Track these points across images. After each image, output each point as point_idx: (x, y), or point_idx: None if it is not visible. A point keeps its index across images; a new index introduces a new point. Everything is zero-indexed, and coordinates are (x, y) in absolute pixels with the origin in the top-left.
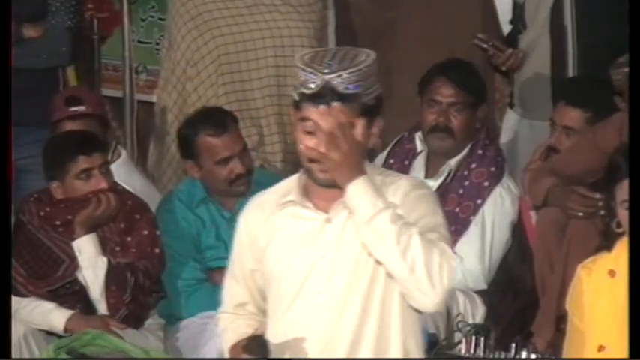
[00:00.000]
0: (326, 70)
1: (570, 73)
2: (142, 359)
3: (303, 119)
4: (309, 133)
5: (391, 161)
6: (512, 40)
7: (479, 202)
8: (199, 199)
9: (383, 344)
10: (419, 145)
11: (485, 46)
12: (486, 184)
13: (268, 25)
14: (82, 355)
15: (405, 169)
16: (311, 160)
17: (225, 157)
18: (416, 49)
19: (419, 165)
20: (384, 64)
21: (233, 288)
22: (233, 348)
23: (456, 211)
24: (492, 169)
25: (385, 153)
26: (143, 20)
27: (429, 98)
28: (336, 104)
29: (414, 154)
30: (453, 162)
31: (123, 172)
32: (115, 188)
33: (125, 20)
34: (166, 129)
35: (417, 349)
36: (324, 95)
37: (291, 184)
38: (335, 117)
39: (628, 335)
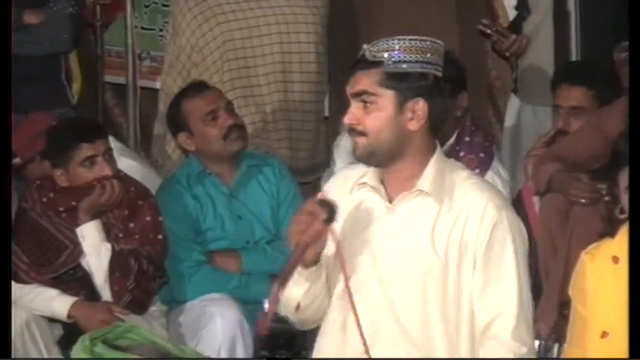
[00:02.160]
0: (368, 43)
1: (573, 58)
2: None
3: None
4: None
5: None
6: (516, 26)
7: None
8: (196, 174)
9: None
10: None
11: (489, 31)
12: (477, 170)
13: (273, 10)
14: (115, 347)
15: None
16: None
17: (210, 111)
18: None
19: None
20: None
21: None
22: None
23: None
24: (481, 154)
25: None
26: (146, 7)
27: None
28: (361, 72)
29: None
30: None
31: None
32: (118, 175)
33: (128, 6)
34: None
35: None
36: (356, 64)
37: None
38: (358, 84)
39: (628, 335)
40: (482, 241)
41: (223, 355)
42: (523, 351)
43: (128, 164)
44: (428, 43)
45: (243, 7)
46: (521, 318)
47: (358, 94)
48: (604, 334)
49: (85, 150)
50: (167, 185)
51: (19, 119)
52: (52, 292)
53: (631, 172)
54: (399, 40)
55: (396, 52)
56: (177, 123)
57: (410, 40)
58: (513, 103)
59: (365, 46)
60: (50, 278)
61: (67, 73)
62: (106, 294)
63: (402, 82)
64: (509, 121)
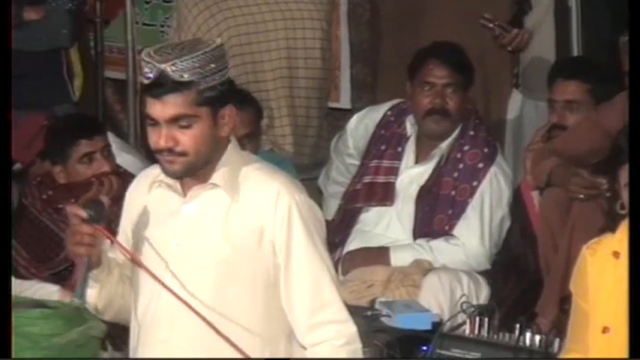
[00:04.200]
0: (161, 59)
1: (575, 53)
2: None
3: (147, 112)
4: (152, 124)
5: (382, 147)
6: (518, 21)
7: (475, 183)
8: None
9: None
10: (409, 129)
11: (491, 25)
12: (481, 165)
13: (279, 6)
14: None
15: (398, 156)
16: (158, 152)
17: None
18: (444, 33)
19: (409, 149)
20: (412, 48)
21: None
22: None
23: (452, 194)
24: (485, 149)
25: (369, 136)
26: (147, 3)
27: (422, 81)
28: (172, 95)
29: (405, 139)
30: (444, 145)
31: None
32: (117, 171)
33: (127, 3)
34: None
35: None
36: (160, 85)
37: None
38: (172, 108)
39: (630, 334)
40: (280, 227)
41: None
42: (353, 329)
43: (127, 159)
44: (219, 52)
45: (249, 2)
46: (335, 294)
47: (175, 119)
48: (605, 330)
49: (84, 146)
50: None
51: (21, 116)
52: (53, 288)
53: (631, 167)
54: (203, 55)
55: (207, 69)
56: None
57: (207, 52)
58: (515, 98)
59: (143, 58)
60: (50, 274)
61: (69, 69)
62: None
63: (211, 96)
64: (510, 115)
